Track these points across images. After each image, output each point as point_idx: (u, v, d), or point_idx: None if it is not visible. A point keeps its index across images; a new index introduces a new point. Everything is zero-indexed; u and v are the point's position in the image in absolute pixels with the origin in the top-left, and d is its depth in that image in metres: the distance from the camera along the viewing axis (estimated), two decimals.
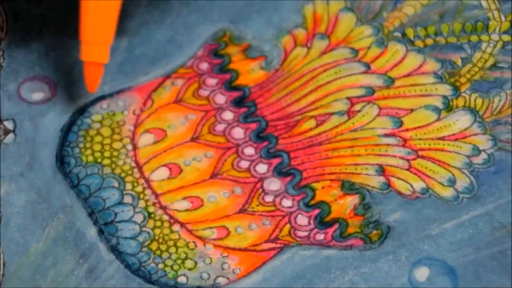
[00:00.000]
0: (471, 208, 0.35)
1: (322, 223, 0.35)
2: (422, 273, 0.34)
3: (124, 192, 0.36)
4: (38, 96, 0.38)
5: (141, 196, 0.36)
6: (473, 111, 0.38)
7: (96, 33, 0.35)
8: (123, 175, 0.36)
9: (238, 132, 0.37)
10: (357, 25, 0.40)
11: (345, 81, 0.39)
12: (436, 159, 0.36)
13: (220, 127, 0.38)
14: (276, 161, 0.37)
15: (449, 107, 0.38)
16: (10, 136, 0.37)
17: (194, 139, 0.37)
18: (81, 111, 0.38)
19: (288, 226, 0.35)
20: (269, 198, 0.36)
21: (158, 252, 0.34)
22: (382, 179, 0.36)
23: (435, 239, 0.34)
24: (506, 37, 0.40)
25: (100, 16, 0.34)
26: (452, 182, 0.36)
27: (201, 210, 0.36)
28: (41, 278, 0.34)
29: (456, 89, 0.38)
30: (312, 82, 0.39)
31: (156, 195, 0.36)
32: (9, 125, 0.37)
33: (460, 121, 0.37)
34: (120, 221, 0.35)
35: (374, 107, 0.38)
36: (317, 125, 0.37)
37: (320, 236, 0.35)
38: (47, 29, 0.40)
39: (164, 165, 0.37)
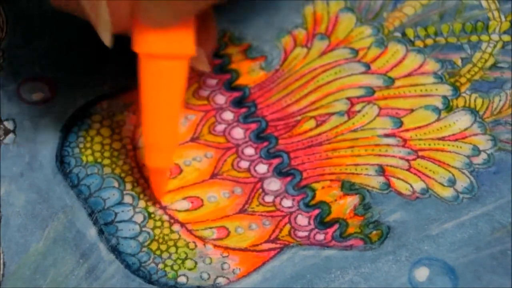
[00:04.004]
0: (471, 208, 0.35)
1: (322, 223, 0.35)
2: (422, 273, 0.34)
3: (124, 192, 0.36)
4: (38, 96, 0.38)
5: (141, 196, 0.36)
6: (473, 111, 0.38)
7: (160, 139, 0.33)
8: (123, 175, 0.36)
9: (238, 132, 0.37)
10: (357, 25, 0.40)
11: (345, 81, 0.39)
12: (436, 159, 0.36)
13: (220, 127, 0.38)
14: (276, 161, 0.37)
15: (449, 107, 0.38)
16: (10, 136, 0.37)
17: (194, 139, 0.37)
18: (81, 111, 0.38)
19: (288, 226, 0.35)
20: (269, 198, 0.36)
21: (158, 252, 0.34)
22: (382, 179, 0.36)
23: (435, 239, 0.34)
24: (506, 37, 0.40)
25: (162, 122, 0.32)
26: (452, 182, 0.36)
27: (201, 210, 0.36)
28: (41, 278, 0.34)
29: (456, 89, 0.38)
30: (312, 82, 0.39)
31: None
32: (9, 125, 0.37)
33: (460, 121, 0.37)
34: (120, 221, 0.35)
35: (374, 107, 0.38)
36: (317, 126, 0.37)
37: (320, 236, 0.35)
38: (47, 29, 0.40)
39: None
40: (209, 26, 0.34)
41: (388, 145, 0.37)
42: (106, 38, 0.30)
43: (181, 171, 0.36)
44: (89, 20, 0.30)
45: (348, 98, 0.38)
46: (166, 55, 0.30)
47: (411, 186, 0.36)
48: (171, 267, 0.34)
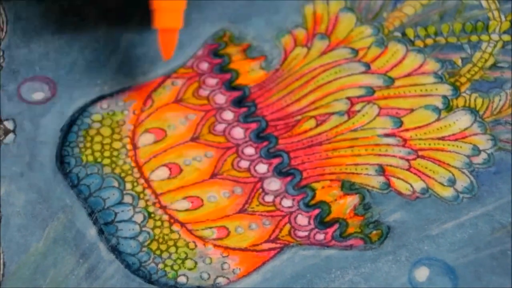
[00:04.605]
0: (471, 208, 0.35)
1: (322, 223, 0.35)
2: (422, 273, 0.34)
3: (124, 192, 0.36)
4: (38, 96, 0.38)
5: (141, 196, 0.36)
6: (473, 111, 0.38)
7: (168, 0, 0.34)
8: (123, 175, 0.36)
9: (238, 132, 0.37)
10: (357, 25, 0.40)
11: (345, 81, 0.39)
12: (436, 159, 0.36)
13: (220, 127, 0.38)
14: (276, 161, 0.37)
15: (449, 107, 0.38)
16: (10, 136, 0.37)
17: (194, 139, 0.37)
18: (81, 111, 0.38)
19: (288, 226, 0.35)
20: (269, 198, 0.36)
21: (158, 252, 0.34)
22: (382, 179, 0.36)
23: (435, 239, 0.34)
24: (506, 37, 0.40)
25: None
26: (452, 182, 0.36)
27: (201, 210, 0.36)
28: (41, 278, 0.34)
29: (456, 89, 0.38)
30: (312, 82, 0.39)
31: (156, 195, 0.36)
32: (9, 125, 0.37)
33: (460, 121, 0.37)
34: (120, 221, 0.35)
35: (374, 107, 0.38)
36: (317, 125, 0.37)
37: (320, 236, 0.35)
38: (47, 29, 0.40)
39: (164, 165, 0.37)
40: None
41: (388, 144, 0.37)
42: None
43: (181, 170, 0.36)
44: None
45: (348, 98, 0.38)
46: None
47: (411, 185, 0.36)
48: (171, 267, 0.34)
